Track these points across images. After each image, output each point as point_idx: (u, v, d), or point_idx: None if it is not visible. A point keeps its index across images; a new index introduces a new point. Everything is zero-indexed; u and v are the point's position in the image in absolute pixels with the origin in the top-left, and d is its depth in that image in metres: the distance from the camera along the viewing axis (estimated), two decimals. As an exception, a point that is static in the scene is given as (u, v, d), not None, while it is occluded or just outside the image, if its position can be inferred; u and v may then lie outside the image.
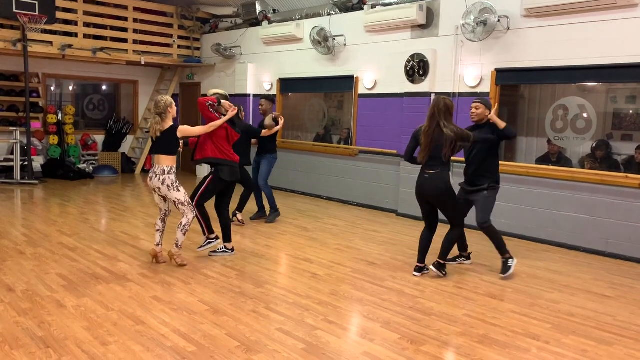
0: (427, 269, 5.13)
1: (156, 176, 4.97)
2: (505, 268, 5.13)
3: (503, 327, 3.93)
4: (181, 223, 5.05)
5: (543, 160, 7.12)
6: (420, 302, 4.42)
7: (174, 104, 5.06)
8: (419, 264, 5.13)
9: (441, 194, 4.90)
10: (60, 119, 11.26)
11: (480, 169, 5.17)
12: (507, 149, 7.50)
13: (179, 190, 5.03)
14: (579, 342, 3.74)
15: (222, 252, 5.60)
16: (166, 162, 4.99)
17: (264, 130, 6.95)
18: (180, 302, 4.23)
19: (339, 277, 5.02)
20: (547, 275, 5.27)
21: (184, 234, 5.09)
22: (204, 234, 5.58)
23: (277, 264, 5.49)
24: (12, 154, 10.09)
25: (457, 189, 5.22)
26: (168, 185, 4.97)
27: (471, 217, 5.30)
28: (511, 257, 5.18)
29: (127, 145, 12.53)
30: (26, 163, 10.06)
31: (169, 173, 4.97)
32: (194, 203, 5.32)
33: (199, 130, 5.17)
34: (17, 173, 9.90)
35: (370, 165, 8.67)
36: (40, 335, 3.54)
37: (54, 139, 11.11)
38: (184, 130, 5.06)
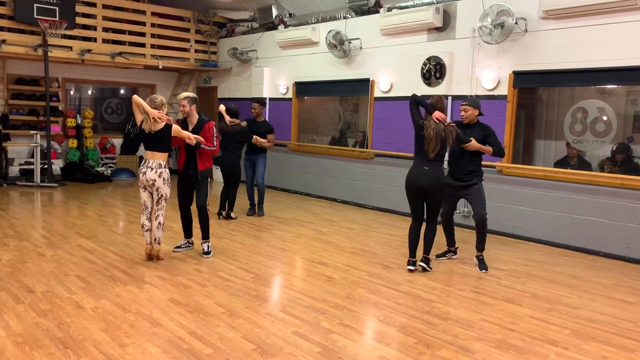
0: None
1: (152, 170, 5.18)
2: (484, 264, 5.46)
3: (521, 332, 3.89)
4: (160, 223, 5.31)
5: (562, 163, 7.03)
6: (436, 306, 4.39)
7: (166, 103, 5.33)
8: (413, 259, 5.31)
9: (440, 186, 5.18)
10: (79, 122, 11.44)
11: (471, 166, 5.39)
12: (525, 152, 7.42)
13: (169, 187, 5.31)
14: (599, 348, 3.68)
15: (186, 247, 5.88)
16: (161, 158, 5.25)
17: (253, 138, 7.60)
18: (197, 304, 4.25)
19: (355, 281, 5.01)
20: (565, 280, 5.21)
21: (163, 231, 5.39)
22: (207, 238, 5.71)
23: (293, 267, 5.50)
24: (32, 157, 10.26)
25: None
26: (164, 179, 5.23)
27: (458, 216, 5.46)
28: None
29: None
30: (46, 166, 10.21)
31: (164, 167, 5.24)
32: (207, 209, 5.65)
33: (185, 134, 5.34)
34: (37, 176, 10.07)
35: (386, 169, 8.64)
36: (60, 336, 3.58)
37: (73, 143, 11.28)
38: (176, 130, 5.28)
